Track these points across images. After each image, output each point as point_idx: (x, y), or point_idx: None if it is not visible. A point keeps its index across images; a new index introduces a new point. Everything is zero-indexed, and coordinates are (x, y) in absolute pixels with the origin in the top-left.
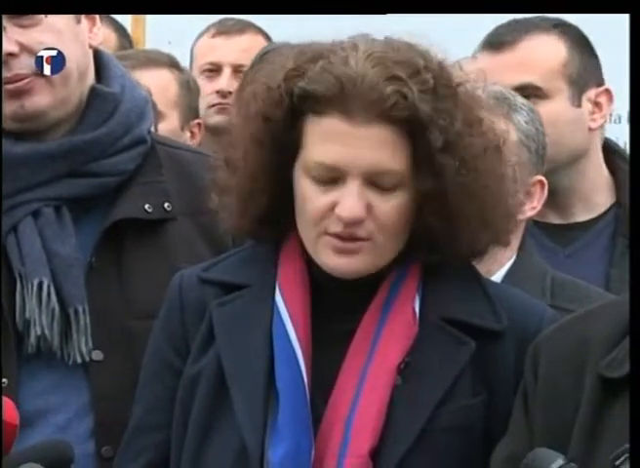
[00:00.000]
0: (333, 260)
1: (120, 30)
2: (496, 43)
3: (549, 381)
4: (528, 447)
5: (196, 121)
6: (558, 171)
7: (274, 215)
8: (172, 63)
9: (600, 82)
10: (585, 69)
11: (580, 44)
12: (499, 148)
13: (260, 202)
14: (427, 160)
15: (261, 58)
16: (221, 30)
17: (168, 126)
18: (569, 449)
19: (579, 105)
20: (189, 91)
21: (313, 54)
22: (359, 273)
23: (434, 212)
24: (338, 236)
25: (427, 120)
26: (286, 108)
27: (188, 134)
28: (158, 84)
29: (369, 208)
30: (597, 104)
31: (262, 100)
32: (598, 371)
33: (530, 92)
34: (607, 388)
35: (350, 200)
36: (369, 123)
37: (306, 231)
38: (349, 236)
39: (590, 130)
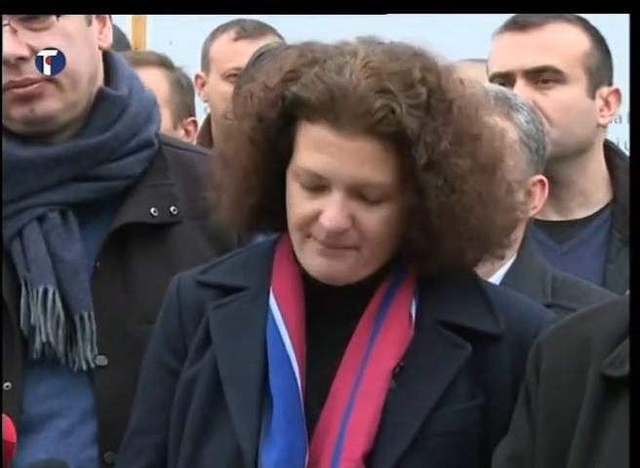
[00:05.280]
0: (316, 262)
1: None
2: (522, 22)
3: (551, 380)
4: (530, 446)
5: (190, 119)
6: (563, 160)
7: (268, 210)
8: (161, 62)
9: (611, 82)
10: (602, 66)
11: (600, 41)
12: (492, 168)
13: (251, 199)
14: (412, 176)
15: (256, 60)
16: (244, 34)
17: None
18: (570, 449)
19: (592, 98)
20: (181, 89)
21: (312, 57)
22: (343, 278)
23: (417, 227)
24: (322, 242)
25: (413, 137)
26: (280, 111)
27: (182, 132)
28: (148, 83)
29: (353, 218)
30: (607, 103)
31: (259, 100)
32: (600, 370)
33: (550, 75)
34: (609, 387)
35: (333, 210)
36: (356, 135)
37: (293, 233)
38: (332, 245)
39: (598, 125)
